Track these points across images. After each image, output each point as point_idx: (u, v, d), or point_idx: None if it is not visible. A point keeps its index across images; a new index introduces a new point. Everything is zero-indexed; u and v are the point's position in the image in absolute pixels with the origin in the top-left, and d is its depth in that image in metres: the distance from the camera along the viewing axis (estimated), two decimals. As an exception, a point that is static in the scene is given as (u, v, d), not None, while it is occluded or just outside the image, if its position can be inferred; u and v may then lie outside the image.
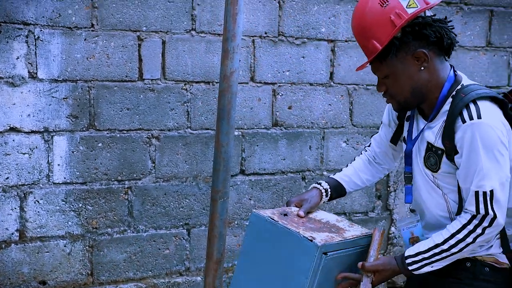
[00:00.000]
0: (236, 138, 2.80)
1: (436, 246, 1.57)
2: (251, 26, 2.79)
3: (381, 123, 1.89)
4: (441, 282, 1.65)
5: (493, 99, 1.57)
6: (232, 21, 2.02)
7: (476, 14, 3.24)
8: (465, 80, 1.63)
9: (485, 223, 1.53)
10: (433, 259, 1.58)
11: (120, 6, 2.54)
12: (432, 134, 1.62)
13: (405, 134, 1.74)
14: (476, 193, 1.52)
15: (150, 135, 2.67)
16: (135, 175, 2.65)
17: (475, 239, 1.54)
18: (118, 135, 2.61)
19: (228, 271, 2.79)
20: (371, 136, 2.01)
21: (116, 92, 2.59)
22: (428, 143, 1.63)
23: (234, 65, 2.05)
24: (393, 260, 1.63)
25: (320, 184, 1.83)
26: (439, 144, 1.60)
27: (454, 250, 1.56)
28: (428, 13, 1.59)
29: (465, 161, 1.54)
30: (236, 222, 2.86)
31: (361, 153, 1.94)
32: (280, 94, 2.89)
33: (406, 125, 1.74)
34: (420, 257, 1.59)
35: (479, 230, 1.54)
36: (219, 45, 2.57)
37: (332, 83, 2.99)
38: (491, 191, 1.51)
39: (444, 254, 1.57)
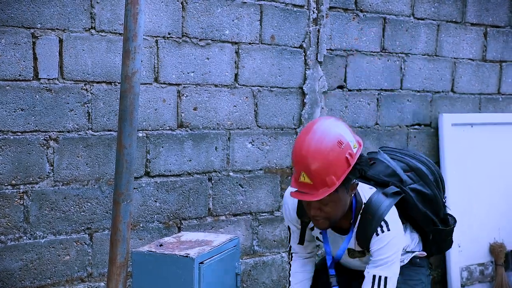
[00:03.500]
0: (140, 140, 2.75)
1: None
2: (154, 26, 2.76)
3: (289, 231, 2.20)
4: None
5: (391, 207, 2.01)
6: (133, 21, 1.99)
7: (371, 20, 3.44)
8: (363, 193, 2.02)
9: None
10: None
11: (11, 1, 2.40)
12: (351, 243, 2.05)
13: (318, 236, 2.13)
14: (374, 276, 1.98)
15: (48, 137, 2.55)
16: (31, 179, 2.52)
17: None
18: (11, 137, 2.47)
19: (132, 275, 2.73)
20: (290, 253, 2.24)
21: (9, 92, 2.44)
22: (349, 249, 2.07)
23: (136, 65, 2.01)
24: None
25: None
26: (358, 248, 2.06)
27: None
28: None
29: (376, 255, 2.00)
30: (141, 225, 2.81)
31: (295, 265, 2.22)
32: (185, 95, 2.89)
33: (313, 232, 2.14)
34: None
35: None
36: (121, 44, 2.52)
37: (237, 85, 3.04)
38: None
39: None
